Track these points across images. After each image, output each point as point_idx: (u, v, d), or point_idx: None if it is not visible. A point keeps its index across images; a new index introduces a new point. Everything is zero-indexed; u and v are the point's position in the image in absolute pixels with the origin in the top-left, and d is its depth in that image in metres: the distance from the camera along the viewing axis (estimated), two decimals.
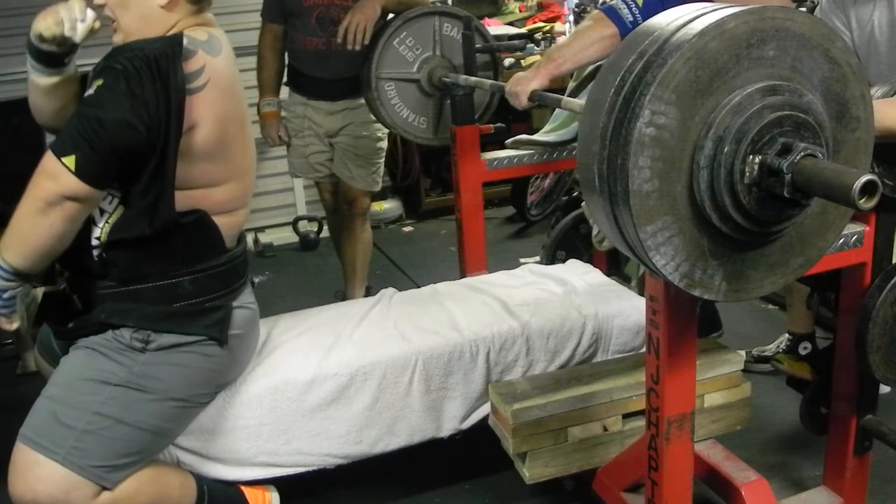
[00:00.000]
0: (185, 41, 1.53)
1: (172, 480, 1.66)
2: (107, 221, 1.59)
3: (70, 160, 1.43)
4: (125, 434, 1.55)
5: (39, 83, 1.63)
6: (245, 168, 1.71)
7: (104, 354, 1.58)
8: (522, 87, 2.07)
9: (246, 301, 1.77)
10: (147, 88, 1.46)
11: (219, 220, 1.65)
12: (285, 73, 3.02)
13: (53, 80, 1.62)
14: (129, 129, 1.46)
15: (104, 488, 1.53)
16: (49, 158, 1.45)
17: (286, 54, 2.97)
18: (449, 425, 1.94)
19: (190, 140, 1.54)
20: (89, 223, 1.58)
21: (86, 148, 1.44)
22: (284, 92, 3.06)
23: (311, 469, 1.85)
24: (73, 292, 1.68)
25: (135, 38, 1.56)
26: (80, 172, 1.43)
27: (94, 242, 1.60)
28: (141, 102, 1.46)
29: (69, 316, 1.66)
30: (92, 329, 1.62)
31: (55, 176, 1.44)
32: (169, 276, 1.61)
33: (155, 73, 1.47)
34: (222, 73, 1.59)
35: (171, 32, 1.58)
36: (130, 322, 1.59)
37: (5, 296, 1.52)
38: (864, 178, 0.95)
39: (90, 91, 1.48)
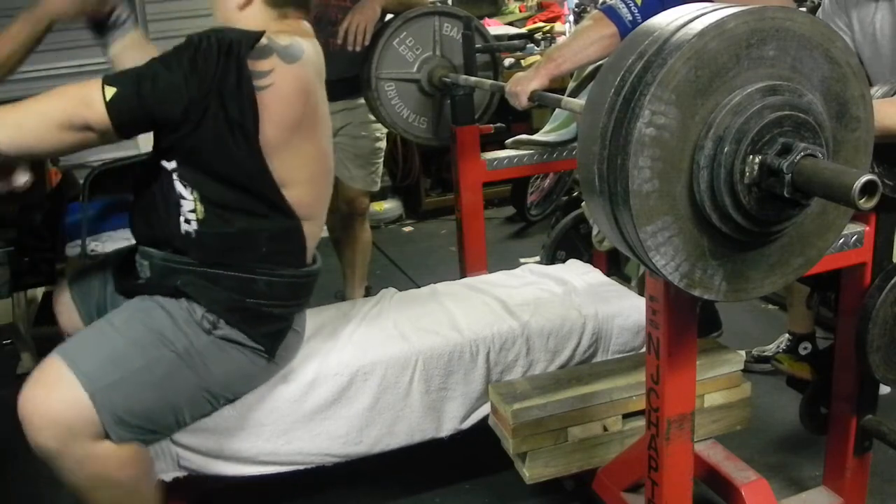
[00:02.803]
0: (264, 40, 1.54)
1: (152, 481, 1.66)
2: (195, 203, 1.60)
3: (111, 91, 1.45)
4: (154, 398, 1.57)
5: (110, 56, 1.74)
6: (314, 173, 1.70)
7: (173, 319, 1.60)
8: (522, 87, 2.07)
9: (300, 323, 1.80)
10: (210, 67, 1.47)
11: (305, 228, 1.68)
12: None
13: (114, 48, 1.71)
14: (175, 95, 1.47)
15: (107, 437, 1.53)
16: (94, 83, 1.46)
17: None
18: (449, 425, 1.94)
19: (254, 133, 1.54)
20: (173, 200, 1.61)
21: (130, 88, 1.46)
22: None
23: (310, 466, 1.85)
24: (142, 259, 1.69)
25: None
26: (111, 107, 1.45)
27: (186, 225, 1.61)
28: (197, 78, 1.47)
29: (131, 275, 1.69)
30: (164, 291, 1.63)
31: (89, 103, 1.44)
32: (249, 271, 1.63)
33: (224, 55, 1.48)
34: (292, 81, 1.58)
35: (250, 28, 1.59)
36: (204, 301, 1.61)
37: None
38: (864, 178, 0.95)
39: (168, 52, 1.52)
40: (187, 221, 1.61)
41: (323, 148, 1.73)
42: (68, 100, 1.46)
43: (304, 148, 1.64)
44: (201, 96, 1.48)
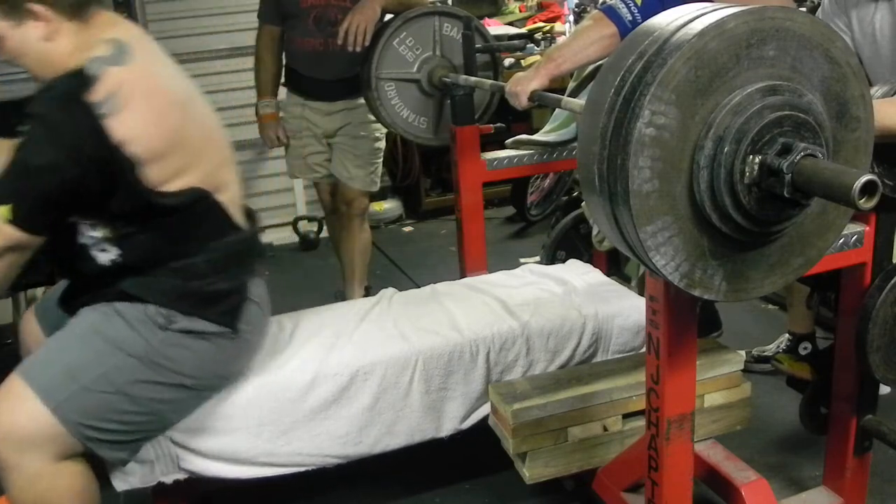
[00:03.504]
0: (87, 68, 1.48)
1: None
2: (106, 238, 1.60)
3: (6, 210, 1.45)
4: (122, 405, 1.57)
5: None
6: (210, 142, 1.68)
7: (127, 321, 1.60)
8: (522, 87, 2.07)
9: (257, 292, 1.78)
10: (67, 128, 1.46)
11: (219, 198, 1.66)
12: (283, 74, 3.02)
13: None
14: (55, 173, 1.46)
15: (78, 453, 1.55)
16: None
17: (284, 55, 2.97)
18: (449, 425, 1.94)
19: (135, 153, 1.51)
20: (83, 244, 1.60)
21: (18, 196, 1.46)
22: (283, 93, 3.06)
23: (310, 468, 1.85)
24: (91, 291, 1.68)
25: (48, 79, 1.54)
26: (17, 220, 1.46)
27: (104, 254, 1.61)
28: (65, 143, 1.46)
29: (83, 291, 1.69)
30: (113, 297, 1.63)
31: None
32: (184, 256, 1.62)
33: (70, 110, 1.46)
34: (140, 78, 1.54)
35: (73, 57, 1.52)
36: (151, 297, 1.60)
37: None
38: (864, 178, 0.95)
39: (22, 138, 1.49)
40: (104, 251, 1.61)
41: (204, 116, 1.70)
42: None
43: (189, 129, 1.61)
44: (79, 156, 1.46)
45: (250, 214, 1.80)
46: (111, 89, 1.48)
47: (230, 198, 1.70)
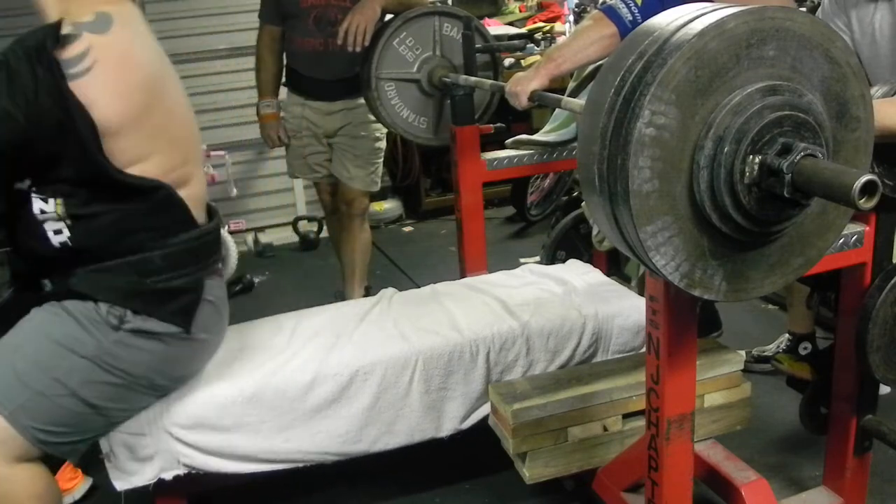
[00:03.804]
0: (65, 28, 1.48)
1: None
2: (60, 211, 1.56)
3: None
4: (75, 406, 1.56)
5: None
6: (179, 135, 1.66)
7: (77, 321, 1.58)
8: (522, 87, 2.07)
9: (214, 292, 1.74)
10: (26, 80, 1.45)
11: (181, 193, 1.64)
12: (284, 74, 3.02)
13: None
14: (4, 122, 1.45)
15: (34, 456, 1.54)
16: None
17: (284, 55, 2.97)
18: (449, 425, 1.94)
19: (94, 121, 1.49)
20: (35, 219, 1.57)
21: None
22: (283, 93, 3.06)
23: (309, 464, 1.85)
24: (42, 277, 1.66)
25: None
26: None
27: (57, 236, 1.58)
28: (20, 93, 1.45)
29: (38, 286, 1.66)
30: (64, 296, 1.60)
31: None
32: (140, 250, 1.60)
33: (35, 63, 1.45)
34: (114, 48, 1.52)
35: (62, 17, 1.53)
36: (101, 295, 1.58)
37: None
38: (864, 178, 0.95)
39: None
40: (57, 232, 1.58)
41: (177, 107, 1.68)
42: None
43: (156, 115, 1.59)
44: (31, 112, 1.45)
45: (211, 211, 1.78)
46: (82, 51, 1.47)
47: (193, 193, 1.68)
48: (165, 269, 1.62)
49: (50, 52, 1.45)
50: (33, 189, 1.56)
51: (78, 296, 1.59)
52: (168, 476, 1.73)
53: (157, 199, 1.60)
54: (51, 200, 1.55)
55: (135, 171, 1.56)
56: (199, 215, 1.70)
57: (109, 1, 1.59)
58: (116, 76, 1.52)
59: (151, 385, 1.66)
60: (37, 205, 1.56)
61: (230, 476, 1.80)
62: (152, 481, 1.73)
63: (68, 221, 1.56)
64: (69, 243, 1.58)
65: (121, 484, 1.71)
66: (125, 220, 1.58)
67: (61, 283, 1.61)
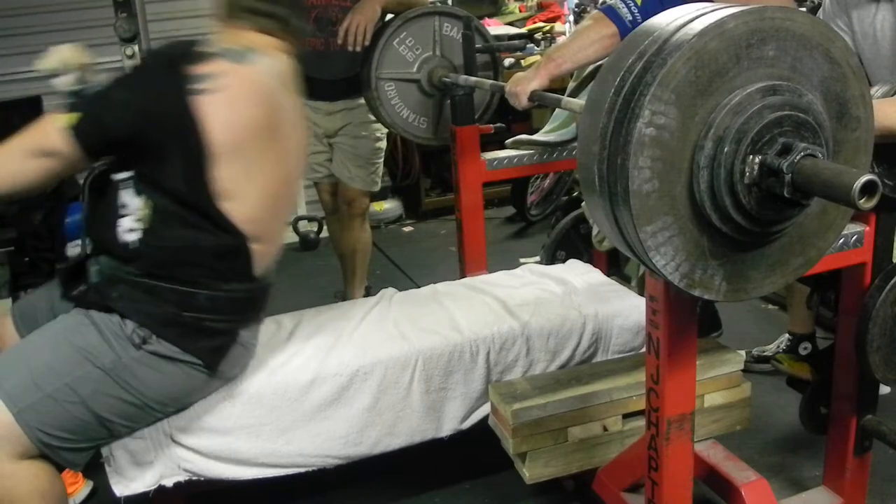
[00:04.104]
0: (206, 47, 1.58)
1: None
2: (143, 213, 1.61)
3: (74, 116, 1.53)
4: (82, 415, 1.56)
5: None
6: (276, 191, 1.67)
7: (100, 332, 1.58)
8: (522, 87, 2.07)
9: (248, 338, 1.76)
10: (154, 80, 1.57)
11: (253, 247, 1.65)
12: None
13: None
14: (123, 111, 1.55)
15: (29, 457, 1.54)
16: (53, 115, 1.55)
17: None
18: (449, 425, 1.94)
19: (203, 139, 1.54)
20: (117, 210, 1.62)
21: (88, 111, 1.55)
22: None
23: (311, 469, 1.85)
24: (92, 265, 1.67)
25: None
26: (75, 131, 1.52)
27: (127, 234, 1.61)
28: (144, 93, 1.56)
29: (80, 281, 1.68)
30: (99, 305, 1.61)
31: (52, 130, 1.53)
32: (190, 284, 1.60)
33: (166, 69, 1.56)
34: (244, 80, 1.58)
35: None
36: (136, 316, 1.59)
37: None
38: (864, 178, 0.95)
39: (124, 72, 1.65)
40: (131, 231, 1.60)
41: (284, 168, 1.69)
42: (35, 129, 1.55)
43: (259, 160, 1.61)
44: (147, 110, 1.53)
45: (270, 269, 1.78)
46: (212, 72, 1.55)
47: (265, 250, 1.69)
48: (207, 310, 1.62)
49: (182, 64, 1.55)
50: (130, 180, 1.62)
51: (108, 309, 1.60)
52: (169, 482, 1.73)
53: (228, 244, 1.62)
54: (140, 199, 1.60)
55: (222, 205, 1.58)
56: (260, 270, 1.70)
57: (267, 45, 1.67)
58: (236, 106, 1.57)
59: (162, 408, 1.65)
60: (125, 198, 1.62)
61: (230, 481, 1.79)
62: (152, 487, 1.72)
63: (144, 226, 1.60)
64: (136, 245, 1.60)
65: (120, 489, 1.69)
66: (190, 250, 1.60)
67: (103, 283, 1.62)
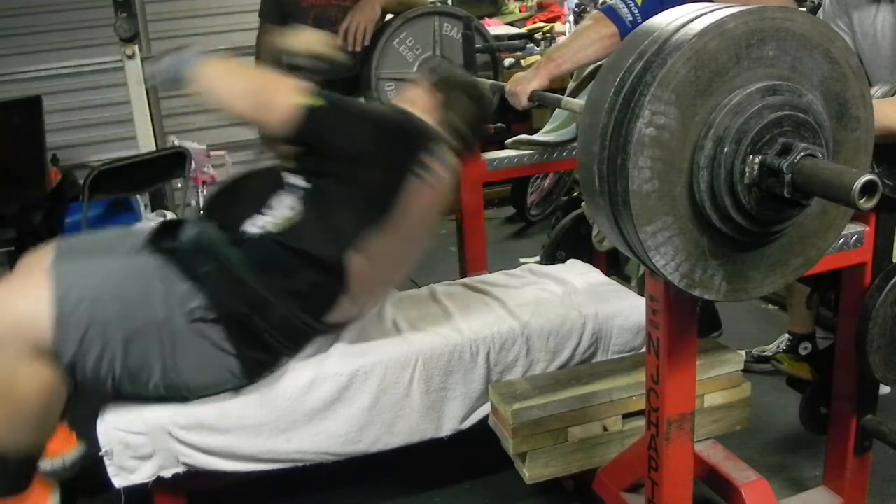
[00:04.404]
0: (440, 145, 1.76)
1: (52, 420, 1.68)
2: (284, 222, 1.66)
3: (316, 100, 1.60)
4: (111, 349, 1.57)
5: None
6: (384, 263, 1.77)
7: (166, 288, 1.61)
8: (522, 87, 2.08)
9: (280, 367, 1.79)
10: (392, 145, 1.68)
11: (343, 299, 1.72)
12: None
13: None
14: (360, 137, 1.65)
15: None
16: (310, 87, 1.64)
17: None
18: (449, 425, 1.94)
19: (389, 207, 1.66)
20: (262, 204, 1.68)
21: (328, 109, 1.61)
22: None
23: (309, 463, 1.85)
24: (191, 227, 1.73)
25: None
26: (304, 111, 1.58)
27: (261, 226, 1.66)
28: (380, 144, 1.67)
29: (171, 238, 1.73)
30: (186, 265, 1.64)
31: (290, 95, 1.59)
32: (275, 297, 1.64)
33: (411, 139, 1.71)
34: (442, 185, 1.74)
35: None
36: (209, 298, 1.61)
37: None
38: (864, 178, 0.95)
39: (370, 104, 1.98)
40: (260, 227, 1.65)
41: (406, 251, 1.83)
42: (280, 83, 1.64)
43: (396, 238, 1.72)
44: (369, 155, 1.62)
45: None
46: (433, 168, 1.73)
47: (346, 308, 1.76)
48: (275, 327, 1.66)
49: (419, 146, 1.71)
50: (301, 191, 1.68)
51: (190, 276, 1.62)
52: (167, 474, 1.73)
53: (329, 285, 1.68)
54: (293, 212, 1.66)
55: (350, 255, 1.65)
56: (332, 318, 1.77)
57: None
58: (430, 201, 1.74)
59: (173, 380, 1.65)
60: (280, 200, 1.69)
61: (230, 474, 1.80)
62: (151, 479, 1.73)
63: (283, 225, 1.65)
64: (265, 230, 1.65)
65: (119, 481, 1.70)
66: (296, 271, 1.65)
67: (194, 249, 1.65)
